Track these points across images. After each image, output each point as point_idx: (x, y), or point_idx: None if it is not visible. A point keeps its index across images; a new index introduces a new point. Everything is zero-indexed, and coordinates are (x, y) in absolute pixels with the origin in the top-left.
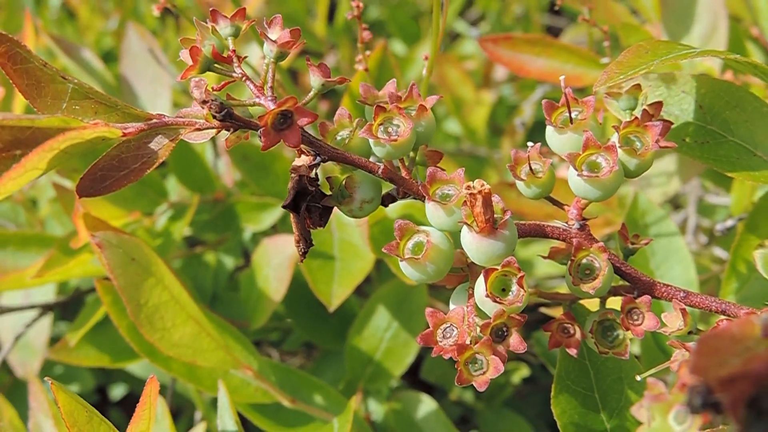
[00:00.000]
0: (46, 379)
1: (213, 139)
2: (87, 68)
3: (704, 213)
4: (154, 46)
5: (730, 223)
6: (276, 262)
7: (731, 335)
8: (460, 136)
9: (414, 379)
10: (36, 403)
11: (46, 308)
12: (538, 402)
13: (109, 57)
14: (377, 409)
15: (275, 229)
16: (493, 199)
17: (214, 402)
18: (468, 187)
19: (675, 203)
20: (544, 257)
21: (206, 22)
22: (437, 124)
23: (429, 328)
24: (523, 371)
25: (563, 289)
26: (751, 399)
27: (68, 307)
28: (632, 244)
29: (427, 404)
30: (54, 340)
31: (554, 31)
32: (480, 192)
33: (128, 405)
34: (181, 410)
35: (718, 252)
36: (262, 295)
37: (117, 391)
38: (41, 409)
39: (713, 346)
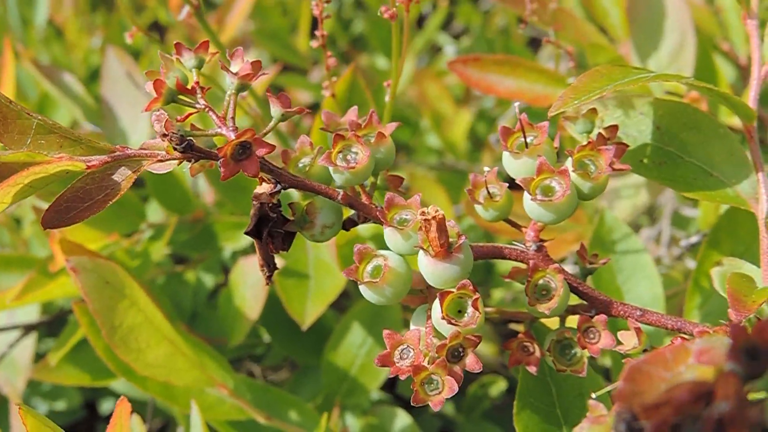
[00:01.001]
0: (16, 404)
1: None
2: (68, 92)
3: (679, 225)
4: (133, 70)
5: (694, 239)
6: (252, 280)
7: (663, 360)
8: (442, 150)
9: (395, 393)
10: (17, 422)
11: (29, 328)
12: None
13: (98, 73)
14: (354, 424)
15: (254, 248)
16: (448, 223)
17: None
18: (423, 213)
19: (652, 216)
20: (505, 277)
21: (171, 55)
22: (419, 138)
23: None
24: (501, 384)
25: None
26: (674, 426)
27: (54, 324)
28: (590, 263)
29: (402, 419)
30: (41, 356)
31: (538, 43)
32: (434, 218)
33: None
34: (167, 425)
35: (691, 264)
36: (239, 313)
37: (105, 406)
38: (22, 428)
39: (644, 371)
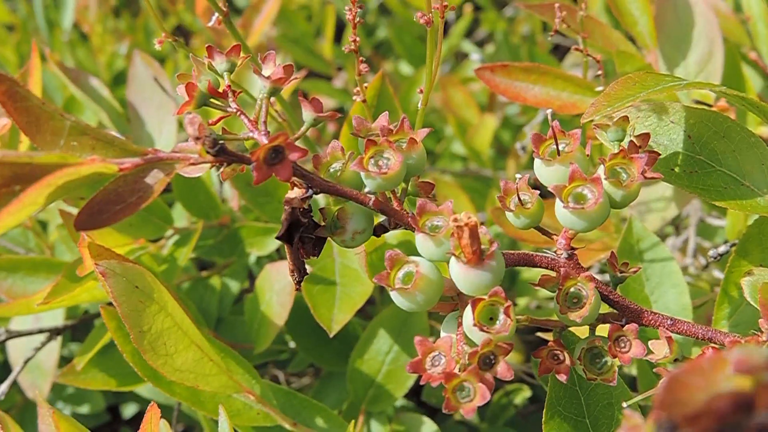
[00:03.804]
0: (48, 408)
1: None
2: (94, 96)
3: (705, 235)
4: (159, 75)
5: (723, 249)
6: (278, 286)
7: (701, 370)
8: (466, 157)
9: (419, 400)
10: (44, 426)
11: (55, 332)
12: (540, 422)
13: (121, 78)
14: (379, 431)
15: (279, 254)
16: (480, 230)
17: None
18: (455, 220)
19: (677, 225)
20: (534, 285)
21: (203, 58)
22: (445, 145)
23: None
24: (525, 393)
25: None
26: None
27: (78, 329)
28: (621, 272)
29: (428, 426)
30: (66, 361)
31: (562, 51)
32: (466, 224)
33: (140, 423)
34: (189, 429)
35: (718, 274)
36: (266, 318)
37: (129, 410)
38: (49, 431)
39: (682, 381)
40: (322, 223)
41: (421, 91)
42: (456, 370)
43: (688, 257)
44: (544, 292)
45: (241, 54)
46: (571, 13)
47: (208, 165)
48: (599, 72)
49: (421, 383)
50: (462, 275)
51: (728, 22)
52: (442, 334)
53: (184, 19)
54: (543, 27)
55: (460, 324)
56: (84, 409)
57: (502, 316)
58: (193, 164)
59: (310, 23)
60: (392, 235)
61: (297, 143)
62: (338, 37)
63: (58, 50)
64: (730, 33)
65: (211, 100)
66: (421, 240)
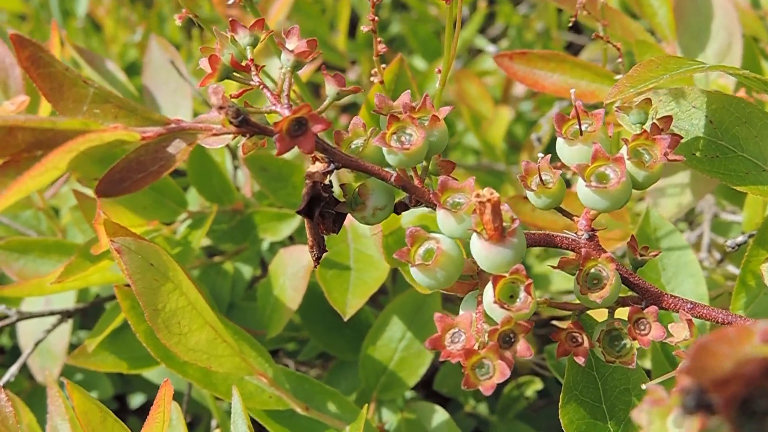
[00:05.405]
0: (62, 379)
1: (233, 152)
2: (110, 79)
3: (719, 231)
4: (175, 58)
5: (741, 239)
6: (292, 271)
7: (728, 339)
8: (479, 151)
9: (429, 391)
10: (54, 407)
11: (65, 314)
12: (551, 415)
13: (133, 69)
14: (391, 419)
15: (292, 240)
16: (502, 207)
17: (230, 410)
18: (477, 195)
19: (690, 221)
20: (554, 267)
21: (226, 32)
22: (457, 139)
23: (438, 333)
24: (537, 385)
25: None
26: (744, 400)
27: (88, 314)
28: (641, 255)
29: (440, 415)
30: (73, 347)
31: (575, 48)
32: (489, 200)
33: (147, 413)
34: (198, 419)
35: (732, 269)
36: (279, 303)
37: (136, 400)
38: (58, 412)
39: (709, 349)
40: (343, 199)
41: (439, 71)
42: (476, 348)
43: (702, 252)
44: (555, 286)
45: (264, 30)
46: (591, 3)
47: (231, 136)
48: (619, 59)
49: (441, 359)
50: (483, 252)
51: (747, 16)
52: (461, 312)
53: (204, 6)
54: (558, 24)
55: (479, 302)
56: (92, 395)
57: (522, 294)
58: (215, 135)
59: (324, 16)
60: (408, 221)
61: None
62: (352, 31)
63: (73, 38)
64: (749, 27)
65: (234, 73)
66: (442, 216)
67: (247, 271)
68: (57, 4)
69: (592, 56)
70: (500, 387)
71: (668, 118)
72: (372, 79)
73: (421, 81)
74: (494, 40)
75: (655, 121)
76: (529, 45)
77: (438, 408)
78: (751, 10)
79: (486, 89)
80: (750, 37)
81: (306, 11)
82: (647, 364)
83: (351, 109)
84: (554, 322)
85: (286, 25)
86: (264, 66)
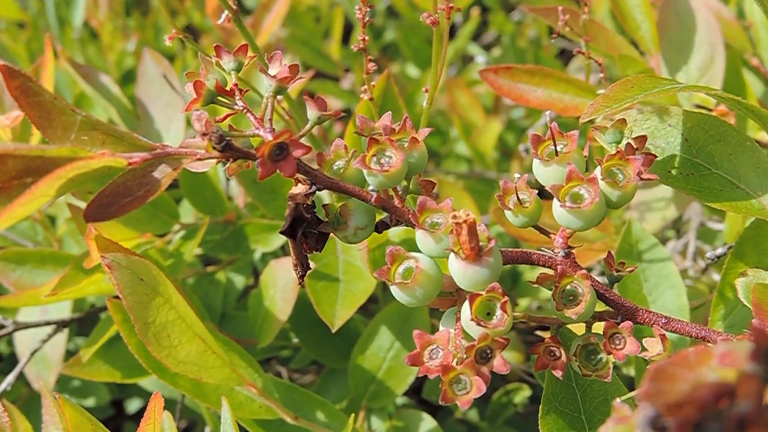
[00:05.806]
0: (55, 394)
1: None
2: (104, 93)
3: (705, 238)
4: (168, 72)
5: (720, 251)
6: (282, 283)
7: (687, 362)
8: (470, 159)
9: (421, 398)
10: (48, 417)
11: (61, 324)
12: None
13: (130, 76)
14: (379, 427)
15: (284, 250)
16: (478, 227)
17: None
18: (454, 216)
19: (678, 228)
20: (533, 283)
21: (211, 57)
22: (450, 147)
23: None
24: (525, 392)
25: None
26: (697, 424)
27: (84, 322)
28: (617, 271)
29: (427, 423)
30: (71, 355)
31: (567, 55)
32: (465, 221)
33: None
34: (193, 424)
35: (717, 277)
36: (269, 314)
37: (133, 405)
38: (53, 422)
39: (667, 372)
40: (325, 219)
41: (427, 90)
42: (453, 364)
43: (688, 260)
44: (545, 294)
45: (249, 53)
46: (575, 17)
47: (215, 160)
48: (601, 74)
49: (419, 375)
50: (460, 271)
51: (731, 28)
52: (441, 328)
53: (194, 18)
54: (549, 31)
55: (458, 319)
56: (89, 402)
57: (498, 312)
58: (199, 159)
59: (319, 25)
60: (395, 233)
61: (301, 141)
62: (346, 39)
63: (68, 48)
64: (733, 39)
65: (219, 97)
66: (421, 236)
67: (240, 280)
68: (54, 12)
69: (583, 64)
70: (489, 394)
71: (643, 138)
72: (362, 95)
73: (413, 90)
74: (487, 48)
75: (629, 140)
76: (522, 53)
77: (426, 416)
78: (736, 22)
79: (477, 98)
80: (734, 49)
81: (300, 20)
82: (632, 371)
83: (348, 115)
84: (538, 332)
85: (282, 33)
86: (248, 91)
